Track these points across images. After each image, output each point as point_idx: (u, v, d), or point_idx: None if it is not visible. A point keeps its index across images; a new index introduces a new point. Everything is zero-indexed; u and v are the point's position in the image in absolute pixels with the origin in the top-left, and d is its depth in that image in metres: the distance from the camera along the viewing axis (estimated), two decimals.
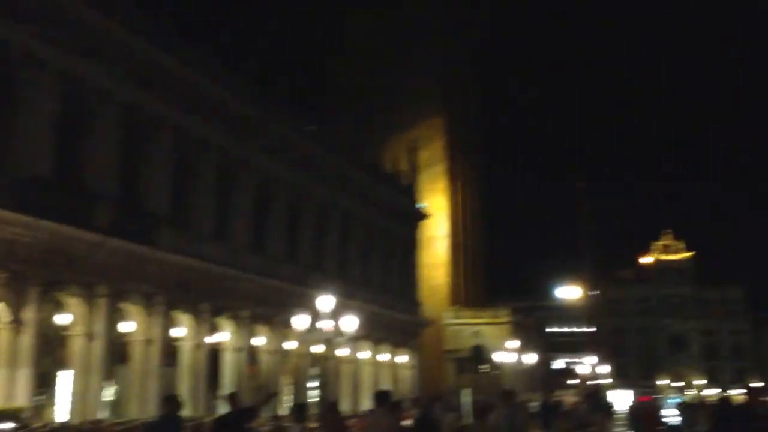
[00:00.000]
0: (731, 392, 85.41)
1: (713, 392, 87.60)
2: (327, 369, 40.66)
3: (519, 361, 53.55)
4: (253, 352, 35.49)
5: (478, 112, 76.94)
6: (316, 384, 37.94)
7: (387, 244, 50.37)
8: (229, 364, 34.01)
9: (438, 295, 66.64)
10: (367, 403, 43.49)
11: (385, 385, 48.55)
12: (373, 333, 44.74)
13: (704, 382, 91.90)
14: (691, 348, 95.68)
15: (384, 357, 49.20)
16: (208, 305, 31.89)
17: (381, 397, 12.61)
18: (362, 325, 32.27)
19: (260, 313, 35.47)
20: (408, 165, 54.20)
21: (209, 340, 32.31)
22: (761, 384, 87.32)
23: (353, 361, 44.36)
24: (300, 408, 16.27)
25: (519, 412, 17.06)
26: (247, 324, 34.68)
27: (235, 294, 33.59)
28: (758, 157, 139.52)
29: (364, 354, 46.10)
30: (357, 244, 46.36)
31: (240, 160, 35.27)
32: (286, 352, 37.42)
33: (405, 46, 69.25)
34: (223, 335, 33.79)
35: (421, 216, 55.67)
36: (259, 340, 36.00)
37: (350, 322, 30.02)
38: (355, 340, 37.58)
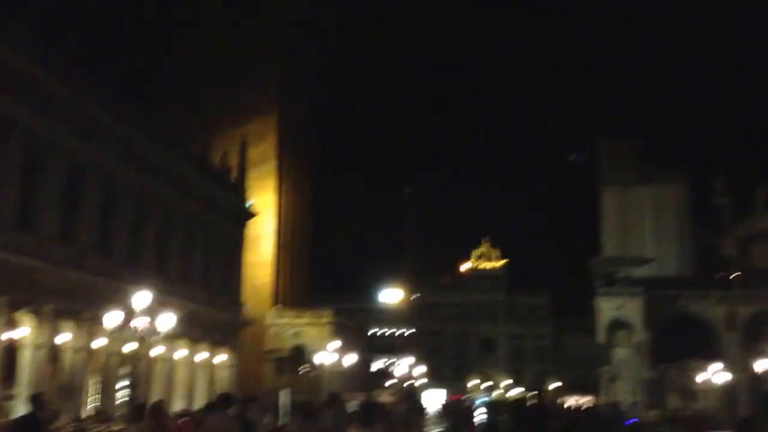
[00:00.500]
0: (531, 392, 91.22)
1: (517, 392, 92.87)
2: (140, 368, 38.74)
3: (339, 362, 53.75)
4: (55, 350, 33.03)
5: (313, 111, 76.98)
6: (126, 384, 35.99)
7: (211, 241, 48.78)
8: (27, 361, 31.40)
9: (261, 294, 65.68)
10: (181, 404, 41.97)
11: (202, 385, 47.22)
12: (192, 331, 43.19)
13: (510, 382, 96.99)
14: (500, 351, 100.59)
15: (201, 356, 47.60)
16: (6, 298, 29.24)
17: (223, 400, 12.97)
18: (180, 323, 31.08)
19: (66, 307, 33.05)
20: (238, 161, 52.74)
21: (5, 335, 29.67)
22: (558, 384, 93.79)
23: (168, 360, 42.51)
24: (138, 408, 15.45)
25: (343, 413, 17.09)
26: (50, 319, 32.15)
27: (37, 286, 31.04)
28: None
29: (181, 353, 44.33)
30: (178, 239, 44.49)
31: (49, 142, 32.55)
32: (95, 351, 35.17)
33: (242, 38, 67.90)
34: (22, 330, 31.16)
35: (249, 214, 54.52)
36: (64, 337, 33.57)
37: (167, 320, 28.77)
38: (171, 338, 36.18)
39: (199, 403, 45.82)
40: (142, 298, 25.86)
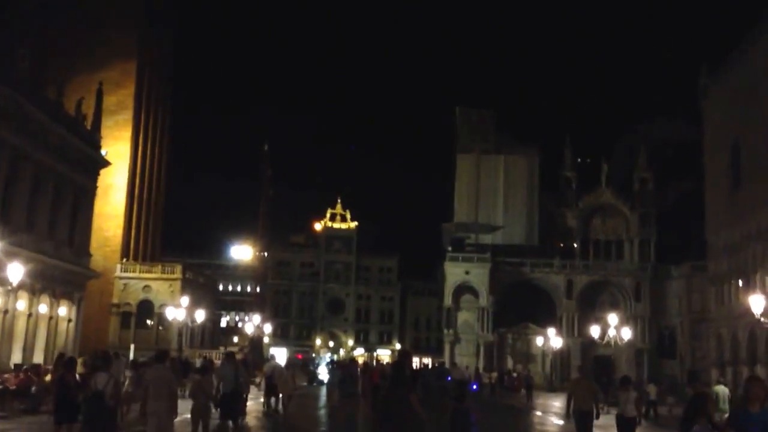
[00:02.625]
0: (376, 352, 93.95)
1: (361, 351, 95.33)
2: None
3: (189, 318, 52.95)
4: None
5: (172, 59, 74.08)
6: None
7: (60, 190, 46.35)
8: None
9: (111, 246, 63.22)
10: (18, 358, 40.23)
11: (42, 339, 45.24)
12: (34, 282, 41.20)
13: (353, 342, 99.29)
14: (347, 311, 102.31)
15: (43, 309, 45.47)
16: None
17: (161, 355, 14.12)
18: (24, 274, 29.69)
19: None
20: (94, 108, 50.10)
21: None
22: (399, 345, 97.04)
23: (7, 312, 40.35)
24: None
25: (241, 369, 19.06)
26: None
27: None
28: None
29: (21, 304, 42.19)
30: (25, 186, 41.96)
31: None
32: None
33: None
34: None
35: (103, 164, 52.13)
36: None
37: (15, 271, 27.63)
38: (12, 289, 34.44)
39: (38, 357, 44.07)
40: None
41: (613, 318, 40.20)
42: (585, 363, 69.84)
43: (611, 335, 40.84)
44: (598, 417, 15.88)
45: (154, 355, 15.13)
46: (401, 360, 12.21)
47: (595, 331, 43.56)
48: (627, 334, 40.87)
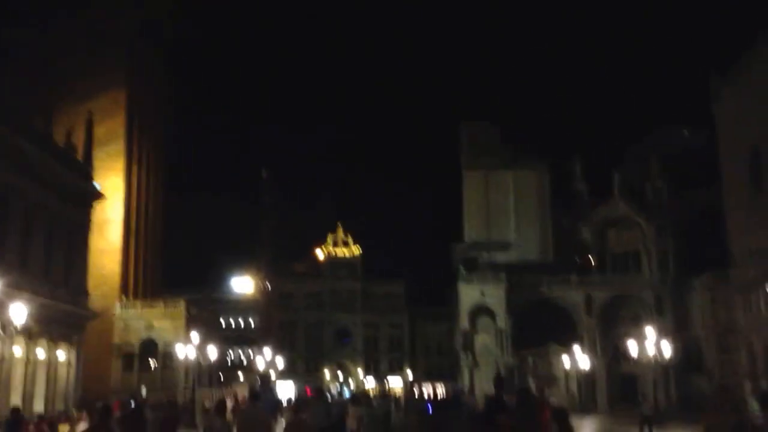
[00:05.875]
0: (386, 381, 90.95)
1: (372, 382, 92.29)
2: None
3: (200, 356, 50.29)
4: None
5: (168, 83, 71.83)
6: None
7: (53, 226, 43.89)
8: None
9: (108, 284, 60.65)
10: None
11: (41, 385, 42.68)
12: (31, 326, 38.57)
13: (363, 372, 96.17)
14: (355, 340, 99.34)
15: (41, 354, 42.79)
16: None
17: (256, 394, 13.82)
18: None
19: None
20: (84, 138, 47.78)
21: None
22: (410, 372, 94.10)
23: (2, 359, 37.70)
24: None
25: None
26: None
27: None
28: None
29: (17, 349, 39.55)
30: (16, 223, 39.54)
31: None
32: None
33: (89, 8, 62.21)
34: None
35: (96, 197, 49.67)
36: None
37: (19, 312, 25.98)
38: (9, 334, 31.97)
39: (37, 404, 41.34)
40: None
41: (650, 332, 37.87)
42: (611, 382, 67.25)
43: (647, 351, 38.47)
44: None
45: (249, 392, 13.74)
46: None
47: (632, 346, 41.17)
48: (667, 348, 38.38)
